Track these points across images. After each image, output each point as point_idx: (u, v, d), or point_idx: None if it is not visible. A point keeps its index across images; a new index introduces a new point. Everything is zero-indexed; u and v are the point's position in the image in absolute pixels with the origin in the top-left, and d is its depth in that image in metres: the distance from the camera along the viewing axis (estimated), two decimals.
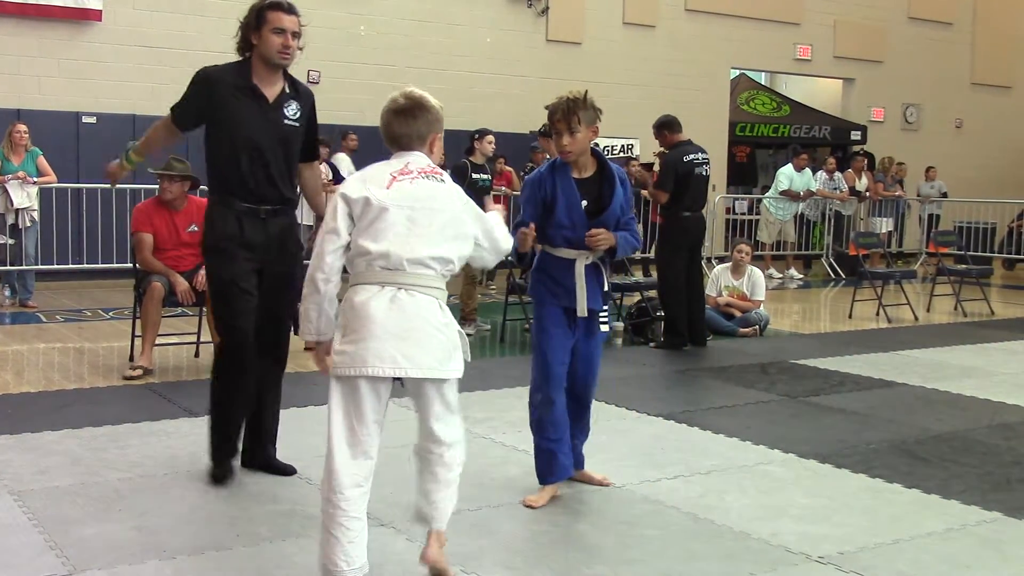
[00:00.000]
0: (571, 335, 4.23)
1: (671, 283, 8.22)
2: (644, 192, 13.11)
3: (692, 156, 8.09)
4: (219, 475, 4.42)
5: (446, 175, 3.33)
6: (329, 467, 3.14)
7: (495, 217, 3.48)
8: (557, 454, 4.22)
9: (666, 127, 8.26)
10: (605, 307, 4.34)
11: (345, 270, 3.23)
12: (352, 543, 3.13)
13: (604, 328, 4.31)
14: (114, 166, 4.76)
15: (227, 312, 4.41)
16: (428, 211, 3.16)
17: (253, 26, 4.31)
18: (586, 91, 4.16)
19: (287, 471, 4.57)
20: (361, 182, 3.19)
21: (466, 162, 8.40)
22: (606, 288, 4.32)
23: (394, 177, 3.17)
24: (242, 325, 4.37)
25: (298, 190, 4.78)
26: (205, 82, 4.37)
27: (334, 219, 3.16)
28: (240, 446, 4.52)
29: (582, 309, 4.17)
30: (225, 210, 4.37)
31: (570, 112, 4.07)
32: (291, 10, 4.32)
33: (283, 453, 4.76)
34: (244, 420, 4.49)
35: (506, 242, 3.47)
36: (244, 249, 4.35)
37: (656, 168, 12.33)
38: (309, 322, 3.22)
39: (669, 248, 8.36)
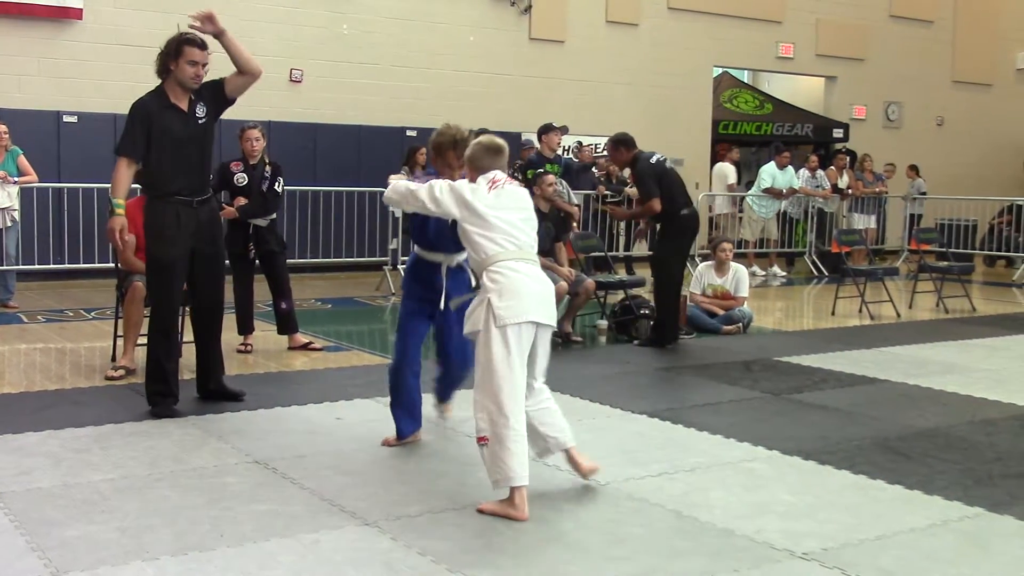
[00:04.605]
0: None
1: (665, 282, 8.10)
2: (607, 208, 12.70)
3: (658, 156, 8.14)
4: (157, 412, 5.43)
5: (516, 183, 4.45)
6: (497, 399, 4.03)
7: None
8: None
9: (623, 144, 8.10)
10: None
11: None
12: (523, 454, 4.02)
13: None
14: (115, 222, 5.33)
15: (161, 288, 5.50)
16: (519, 209, 4.31)
17: (172, 56, 5.33)
18: (469, 131, 4.90)
19: (237, 396, 5.75)
20: (471, 190, 4.24)
21: None
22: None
23: (491, 186, 4.27)
24: (173, 300, 5.55)
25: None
26: (141, 109, 5.34)
27: (451, 201, 4.23)
28: (176, 390, 5.52)
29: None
30: (164, 204, 5.39)
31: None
32: (203, 46, 5.37)
33: (264, 452, 4.79)
34: (175, 369, 5.54)
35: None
36: (181, 235, 5.37)
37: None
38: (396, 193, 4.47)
39: (670, 248, 8.16)
